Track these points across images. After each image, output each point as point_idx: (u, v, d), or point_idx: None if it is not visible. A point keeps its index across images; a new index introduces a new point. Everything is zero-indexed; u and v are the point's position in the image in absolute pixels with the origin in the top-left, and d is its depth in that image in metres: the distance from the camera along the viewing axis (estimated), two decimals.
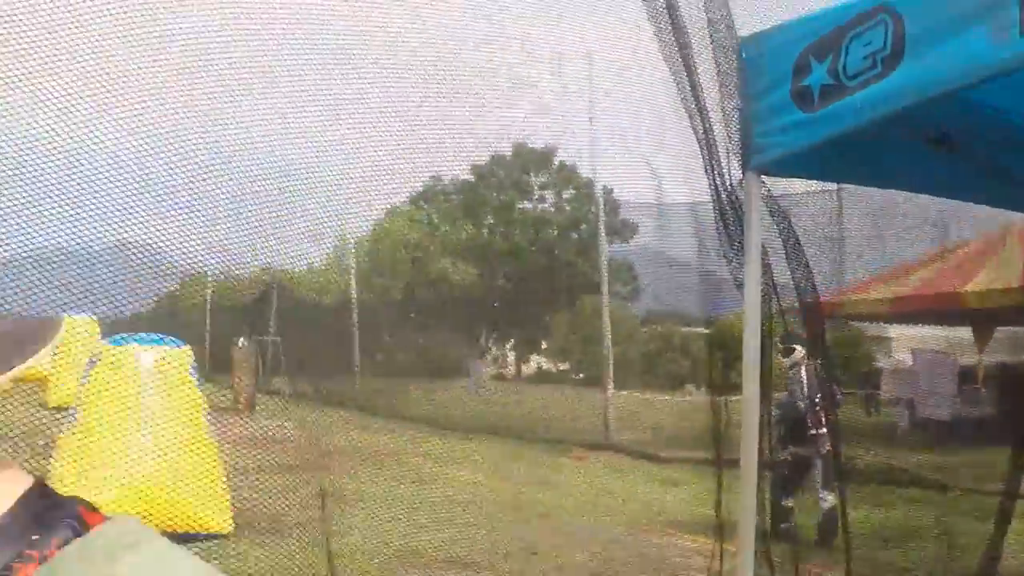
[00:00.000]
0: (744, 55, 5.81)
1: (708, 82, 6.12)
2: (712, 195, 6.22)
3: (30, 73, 7.55)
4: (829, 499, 13.33)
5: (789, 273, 6.63)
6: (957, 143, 5.92)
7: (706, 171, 6.18)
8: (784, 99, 5.43)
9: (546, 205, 57.91)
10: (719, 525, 7.87)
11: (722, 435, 8.49)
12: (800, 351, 13.96)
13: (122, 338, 14.33)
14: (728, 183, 6.17)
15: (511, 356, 61.59)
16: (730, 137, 5.95)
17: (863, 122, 4.95)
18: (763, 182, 5.92)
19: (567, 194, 56.46)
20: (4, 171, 8.23)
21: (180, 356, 14.29)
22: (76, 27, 8.02)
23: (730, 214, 6.16)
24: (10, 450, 12.82)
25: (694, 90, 6.14)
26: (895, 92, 4.71)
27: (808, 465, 13.85)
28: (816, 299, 6.91)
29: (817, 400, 13.61)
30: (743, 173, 5.80)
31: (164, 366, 13.90)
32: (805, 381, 14.06)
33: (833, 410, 12.53)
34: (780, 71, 5.46)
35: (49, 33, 7.76)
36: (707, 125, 6.16)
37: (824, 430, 13.37)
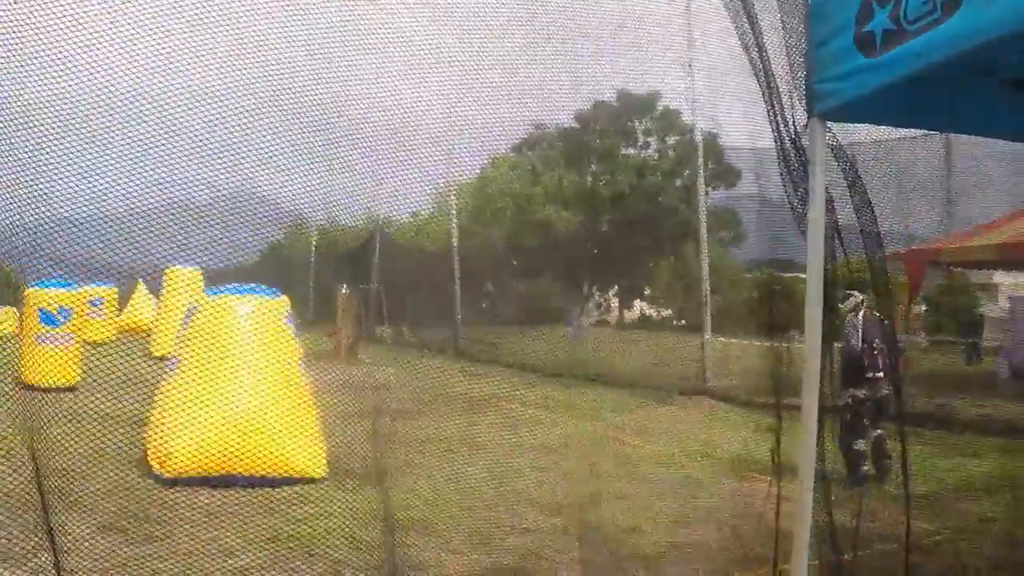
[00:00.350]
0: (810, 1, 5.79)
1: (771, 28, 6.10)
2: (776, 141, 6.21)
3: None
4: (874, 434, 13.67)
5: (856, 219, 6.59)
6: None
7: (769, 118, 6.17)
8: (848, 45, 5.43)
9: (650, 152, 57.45)
10: (777, 468, 7.87)
11: (784, 380, 8.51)
12: (857, 297, 14.23)
13: (219, 289, 14.62)
14: (793, 129, 6.16)
15: (614, 302, 61.47)
16: (795, 84, 5.94)
17: (922, 67, 4.93)
18: (829, 128, 5.91)
19: (671, 140, 55.98)
20: (109, 127, 8.46)
21: (275, 306, 14.55)
22: None
23: (794, 160, 6.15)
24: (114, 398, 13.23)
25: (756, 37, 6.13)
26: (954, 36, 4.67)
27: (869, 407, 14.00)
28: (880, 246, 6.87)
29: (875, 345, 13.88)
30: (808, 119, 5.80)
31: (260, 315, 14.16)
32: (861, 326, 14.27)
33: (892, 357, 12.77)
34: (844, 17, 5.45)
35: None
36: (768, 71, 6.15)
37: (880, 374, 13.80)
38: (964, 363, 31.35)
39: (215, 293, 14.54)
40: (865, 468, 13.59)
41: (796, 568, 5.98)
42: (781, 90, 6.12)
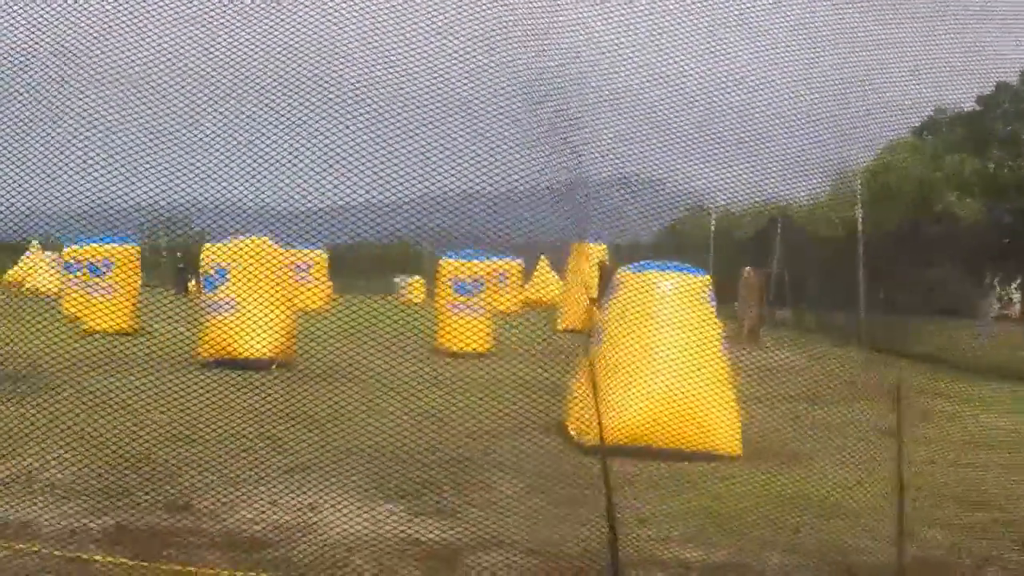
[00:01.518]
0: None
1: None
2: None
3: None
4: None
5: None
6: None
7: None
8: None
9: None
10: None
11: None
12: None
13: (642, 265, 14.89)
14: None
15: (1015, 296, 58.77)
16: None
17: None
18: None
19: None
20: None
21: (698, 283, 14.71)
22: None
23: None
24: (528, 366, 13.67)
25: None
26: None
27: None
28: None
29: None
30: None
31: (683, 292, 14.35)
32: None
33: None
34: None
35: None
36: None
37: None
38: None
39: (638, 269, 14.83)
40: None
41: None
42: None
